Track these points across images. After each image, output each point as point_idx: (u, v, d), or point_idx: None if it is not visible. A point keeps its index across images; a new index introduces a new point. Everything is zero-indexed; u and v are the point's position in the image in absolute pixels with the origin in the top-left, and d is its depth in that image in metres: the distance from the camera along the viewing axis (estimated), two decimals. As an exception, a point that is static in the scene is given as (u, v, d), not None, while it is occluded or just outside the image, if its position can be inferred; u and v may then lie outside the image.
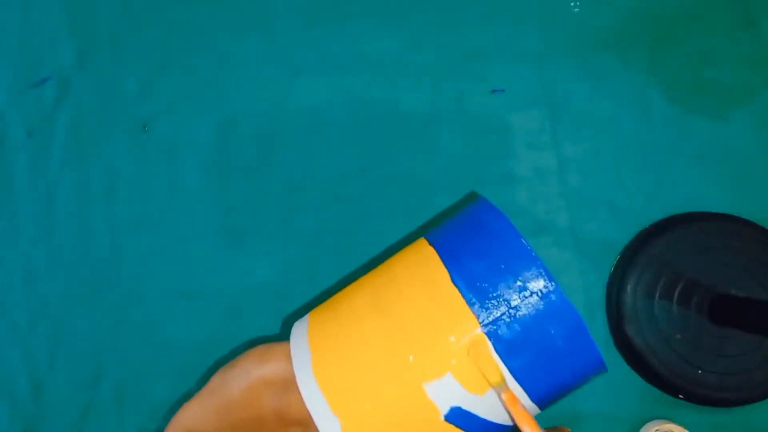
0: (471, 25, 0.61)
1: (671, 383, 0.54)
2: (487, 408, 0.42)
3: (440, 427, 0.42)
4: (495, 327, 0.41)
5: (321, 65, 0.62)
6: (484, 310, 0.41)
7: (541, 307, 0.41)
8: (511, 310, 0.41)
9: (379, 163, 0.60)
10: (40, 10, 0.64)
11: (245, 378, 0.49)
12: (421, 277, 0.44)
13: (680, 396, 0.54)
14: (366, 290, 0.46)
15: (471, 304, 0.41)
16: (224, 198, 0.60)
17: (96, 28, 0.63)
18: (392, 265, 0.47)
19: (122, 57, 0.63)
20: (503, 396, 0.40)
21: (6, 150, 0.62)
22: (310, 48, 0.62)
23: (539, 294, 0.41)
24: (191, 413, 0.50)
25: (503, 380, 0.41)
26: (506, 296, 0.41)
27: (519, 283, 0.41)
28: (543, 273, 0.41)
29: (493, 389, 0.41)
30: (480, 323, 0.41)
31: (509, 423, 0.43)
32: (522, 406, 0.40)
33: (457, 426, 0.42)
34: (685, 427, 0.53)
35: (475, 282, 0.42)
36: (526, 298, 0.41)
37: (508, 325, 0.41)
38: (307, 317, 0.49)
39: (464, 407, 0.41)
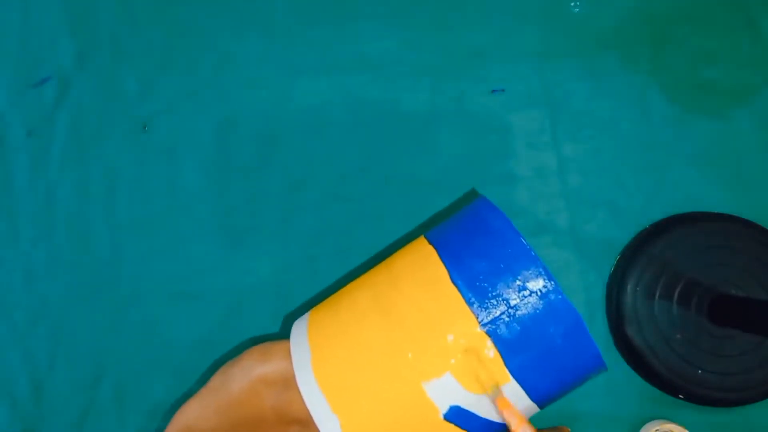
0: (471, 25, 0.62)
1: (671, 383, 0.54)
2: (487, 407, 0.42)
3: (440, 426, 0.42)
4: (494, 326, 0.41)
5: (321, 65, 0.62)
6: (483, 309, 0.41)
7: (541, 306, 0.41)
8: (510, 310, 0.41)
9: (379, 163, 0.60)
10: (40, 10, 0.64)
11: (245, 377, 0.49)
12: (420, 276, 0.44)
13: (680, 396, 0.54)
14: (365, 289, 0.46)
15: (470, 304, 0.41)
16: (224, 198, 0.60)
17: (96, 28, 0.63)
18: (392, 264, 0.47)
19: (122, 57, 0.63)
20: (496, 401, 0.40)
21: (6, 150, 0.62)
22: (310, 48, 0.62)
23: (538, 293, 0.41)
24: (192, 412, 0.50)
25: (498, 384, 0.41)
26: (506, 296, 0.41)
27: (518, 282, 0.41)
28: (542, 272, 0.41)
29: (487, 396, 0.41)
30: (479, 322, 0.41)
31: (509, 422, 0.43)
32: (516, 409, 0.41)
33: (457, 425, 0.42)
34: (685, 427, 0.53)
35: (475, 281, 0.42)
36: (526, 297, 0.41)
37: (507, 324, 0.41)
38: (307, 316, 0.49)
39: (463, 406, 0.41)
